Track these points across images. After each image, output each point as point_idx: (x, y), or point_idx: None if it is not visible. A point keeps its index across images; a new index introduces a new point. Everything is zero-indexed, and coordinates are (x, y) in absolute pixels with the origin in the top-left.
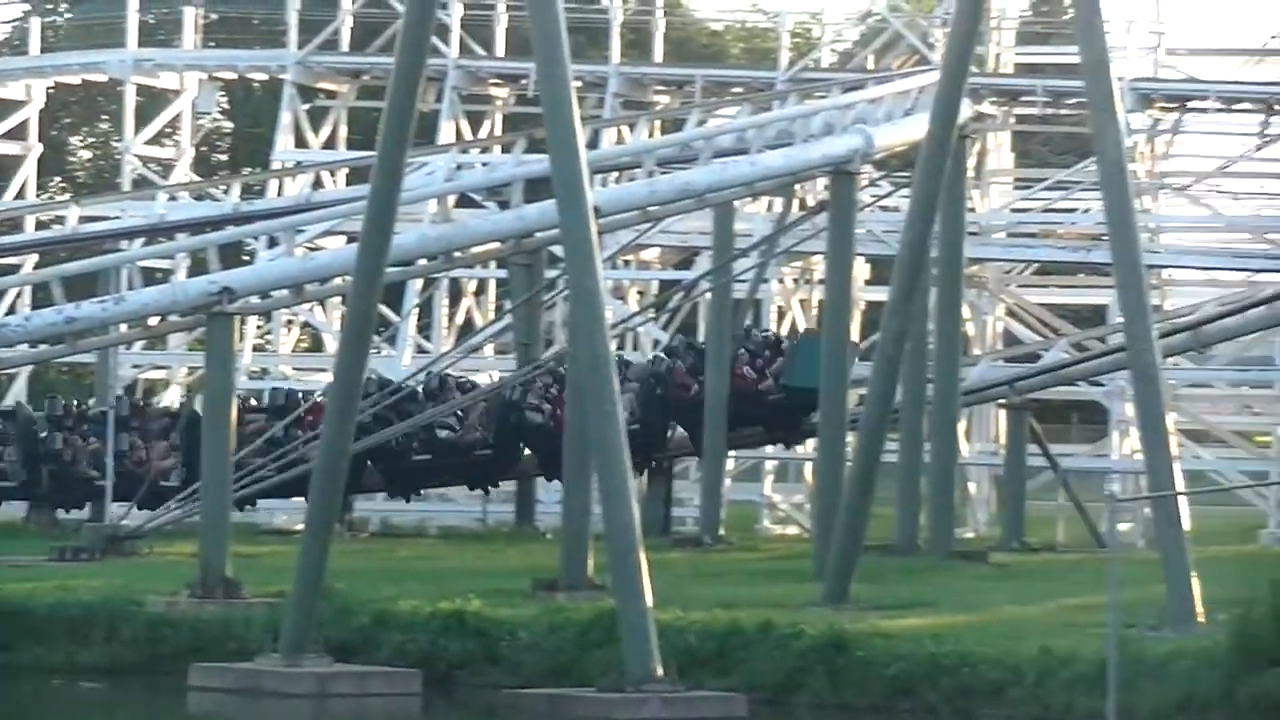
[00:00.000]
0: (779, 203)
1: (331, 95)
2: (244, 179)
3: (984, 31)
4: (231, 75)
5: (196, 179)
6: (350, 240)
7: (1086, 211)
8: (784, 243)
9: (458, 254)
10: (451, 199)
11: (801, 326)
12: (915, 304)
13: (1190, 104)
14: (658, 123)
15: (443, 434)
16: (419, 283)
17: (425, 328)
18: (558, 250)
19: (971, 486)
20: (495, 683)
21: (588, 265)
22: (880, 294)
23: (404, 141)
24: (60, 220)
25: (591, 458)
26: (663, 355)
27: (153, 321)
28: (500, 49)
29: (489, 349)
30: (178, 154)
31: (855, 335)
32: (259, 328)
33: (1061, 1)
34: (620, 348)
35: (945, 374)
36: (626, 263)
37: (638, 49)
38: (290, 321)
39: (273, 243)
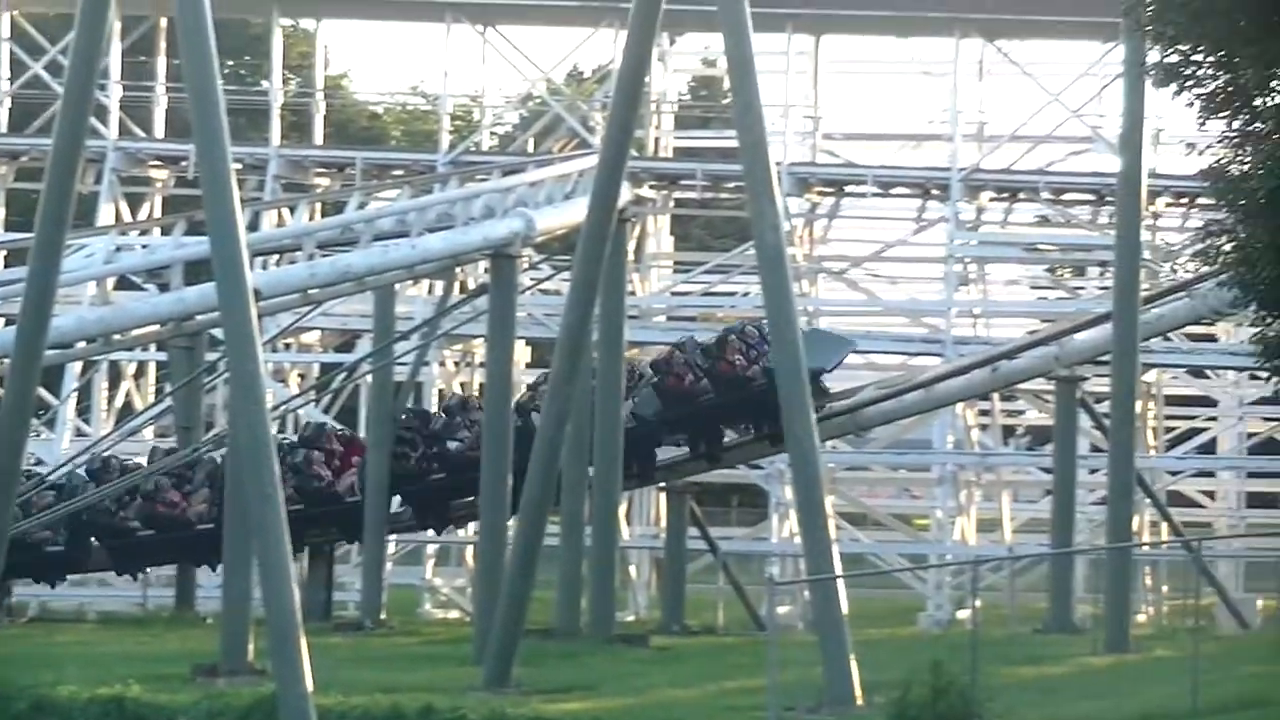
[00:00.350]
0: (440, 285)
1: None
2: None
3: (643, 115)
4: None
5: None
6: (8, 323)
7: (746, 295)
8: (445, 325)
9: (117, 336)
10: (111, 281)
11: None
12: (576, 387)
13: (848, 188)
14: (318, 205)
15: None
16: (78, 365)
17: (84, 410)
18: (218, 333)
19: (632, 569)
20: None
21: (247, 348)
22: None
23: (63, 223)
24: None
25: (252, 541)
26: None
27: None
28: (160, 130)
29: (149, 432)
30: None
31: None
32: None
33: (720, 86)
34: (281, 430)
35: (606, 457)
36: (287, 345)
37: (298, 131)
38: None
39: None
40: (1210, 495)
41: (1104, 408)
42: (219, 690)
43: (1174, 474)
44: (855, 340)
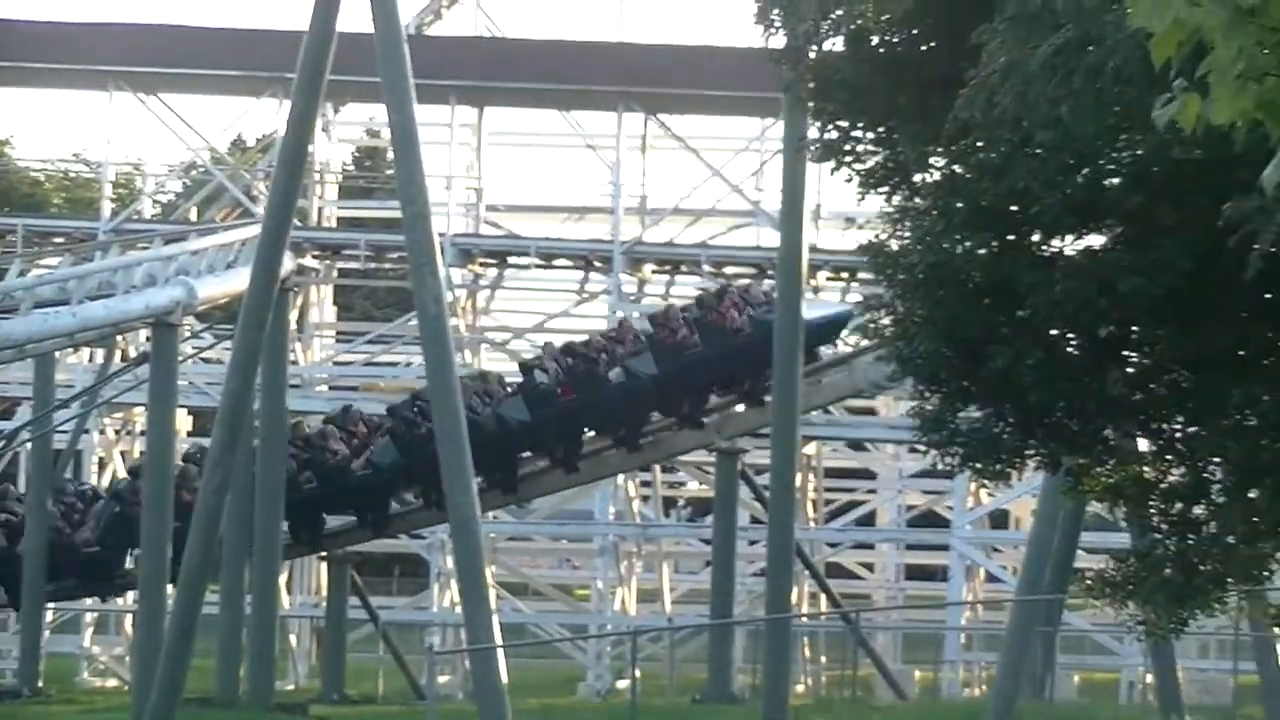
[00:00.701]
0: (100, 353)
1: None
2: None
3: (306, 185)
4: None
5: None
6: None
7: (408, 365)
8: (105, 394)
9: None
10: None
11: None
12: (237, 455)
13: (510, 259)
14: None
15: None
16: None
17: None
18: None
19: (292, 638)
20: None
21: None
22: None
23: None
24: None
25: None
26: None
27: None
28: None
29: None
30: None
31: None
32: None
33: (384, 156)
34: None
35: (267, 526)
36: None
37: None
38: None
39: None
40: (869, 567)
41: (764, 479)
42: None
43: (833, 545)
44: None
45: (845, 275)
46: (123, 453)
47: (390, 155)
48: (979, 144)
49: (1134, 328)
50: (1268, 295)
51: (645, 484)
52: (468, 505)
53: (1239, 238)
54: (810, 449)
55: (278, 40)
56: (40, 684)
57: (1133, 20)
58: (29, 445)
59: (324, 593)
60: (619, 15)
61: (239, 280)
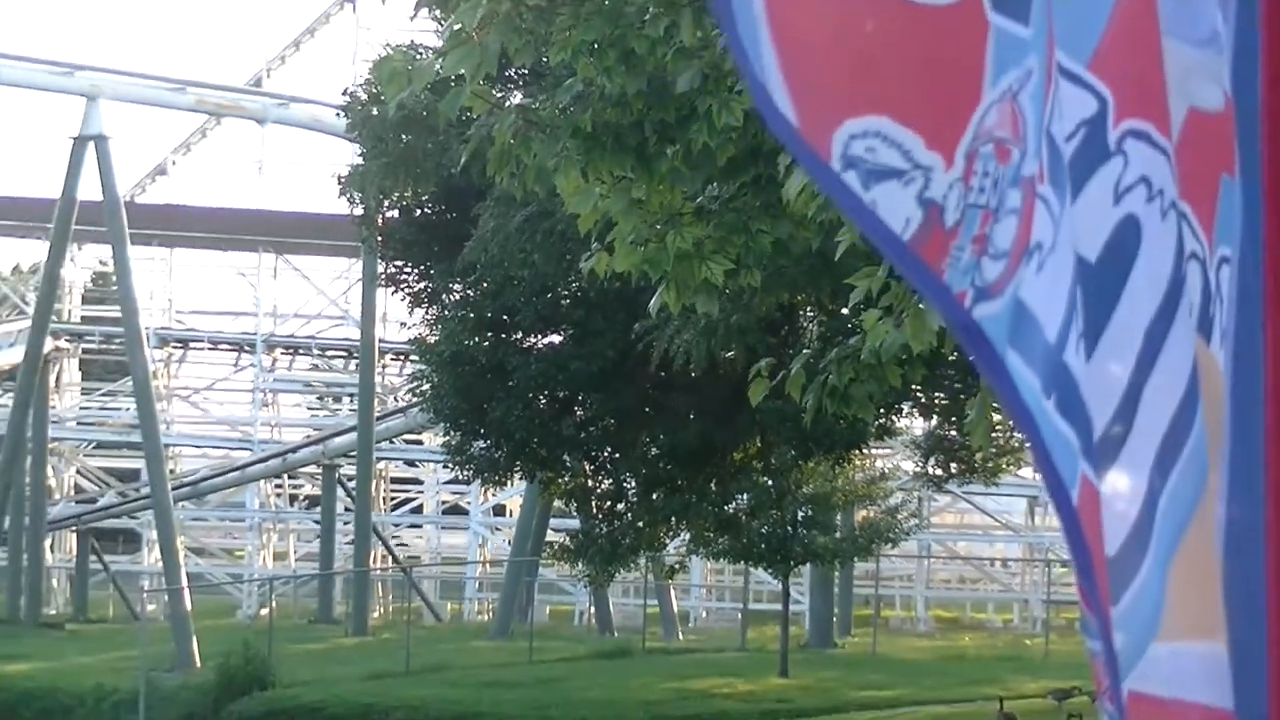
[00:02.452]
0: None
1: None
2: None
3: (60, 295)
4: None
5: None
6: None
7: (129, 410)
8: None
9: None
10: None
11: None
12: (17, 461)
13: (191, 344)
14: None
15: None
16: None
17: None
18: None
19: (54, 581)
20: None
21: None
22: None
23: None
24: None
25: None
26: None
27: None
28: None
29: None
30: None
31: None
32: None
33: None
34: None
35: (36, 507)
36: None
37: None
38: None
39: None
40: (419, 540)
41: (353, 484)
42: None
43: (396, 525)
44: None
45: (402, 358)
46: None
47: (115, 276)
48: (482, 278)
49: (580, 393)
50: (662, 374)
51: (279, 486)
52: (162, 492)
53: (645, 337)
54: (381, 465)
55: (44, 204)
56: None
57: (568, 206)
58: None
59: (75, 552)
60: (261, 185)
61: (18, 353)
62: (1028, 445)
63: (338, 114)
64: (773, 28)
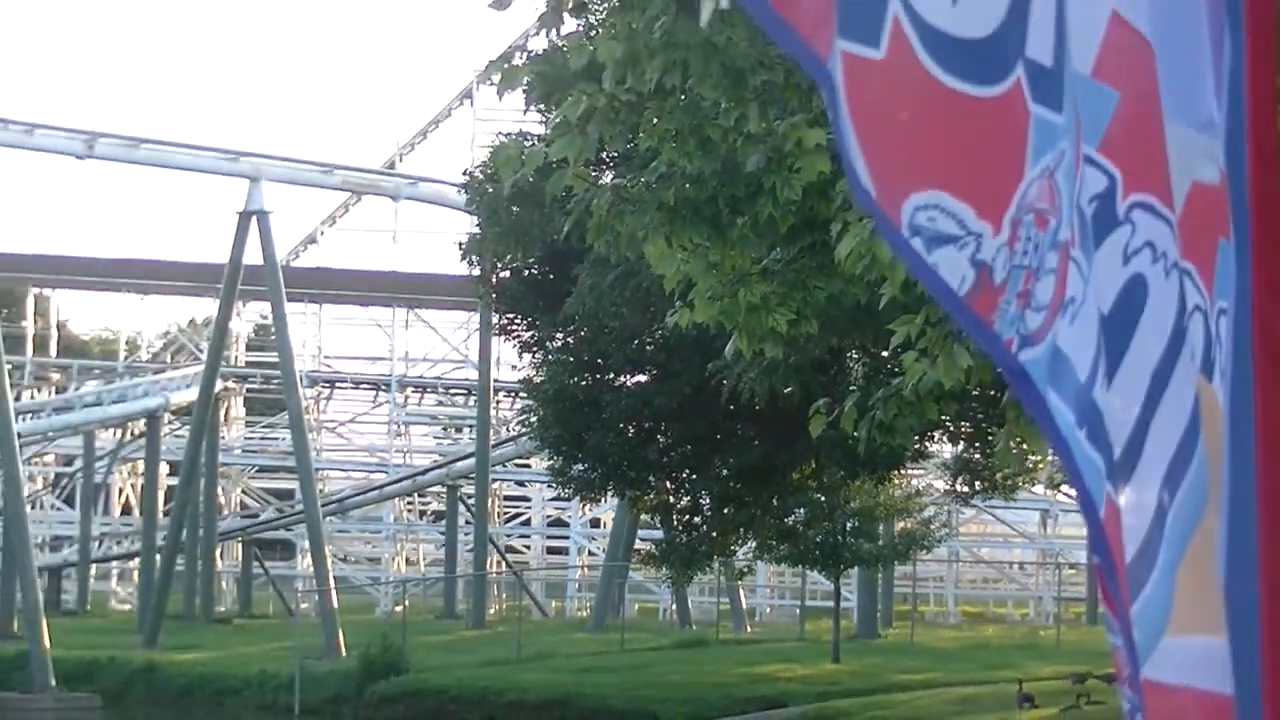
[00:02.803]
0: (118, 430)
1: None
2: None
3: (229, 343)
4: None
5: None
6: None
7: (284, 439)
8: (123, 452)
9: None
10: None
11: None
12: (194, 484)
13: (337, 384)
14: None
15: None
16: None
17: None
18: None
19: (223, 583)
20: None
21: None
22: None
23: None
24: None
25: None
26: None
27: None
28: None
29: None
30: None
31: None
32: None
33: (270, 329)
34: None
35: (210, 520)
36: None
37: (43, 347)
38: None
39: None
40: (528, 548)
41: (472, 501)
42: None
43: (508, 536)
44: None
45: (513, 395)
46: (132, 485)
47: (273, 328)
48: (579, 328)
49: (662, 423)
50: (730, 406)
51: (410, 503)
52: (313, 505)
53: (716, 376)
54: (496, 485)
55: (214, 268)
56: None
57: (654, 268)
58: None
59: (240, 559)
60: (395, 250)
61: (194, 393)
62: (1063, 468)
63: (458, 191)
64: (853, 115)
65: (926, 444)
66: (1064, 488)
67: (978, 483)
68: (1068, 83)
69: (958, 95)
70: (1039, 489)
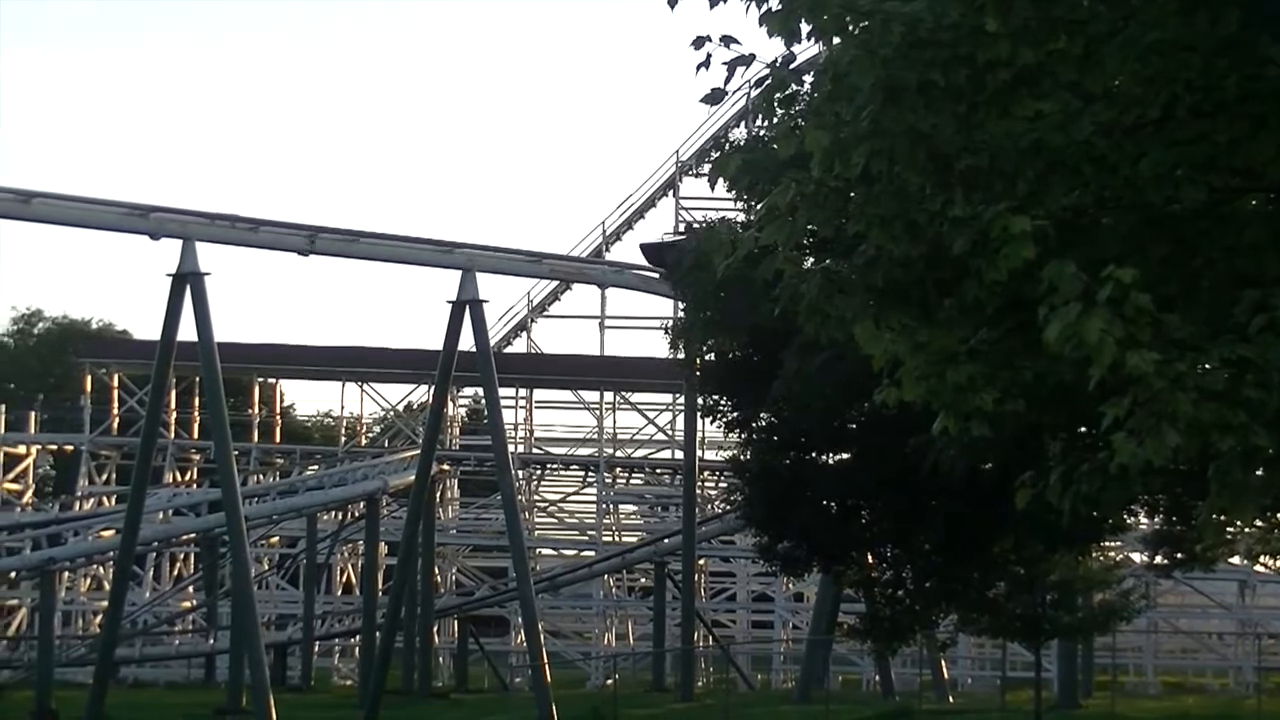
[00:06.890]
0: (340, 513)
1: None
2: None
3: (444, 426)
4: None
5: None
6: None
7: (498, 519)
8: (344, 534)
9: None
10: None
11: None
12: (411, 565)
13: (547, 465)
14: (278, 474)
15: None
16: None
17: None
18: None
19: (440, 659)
20: None
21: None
22: None
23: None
24: None
25: None
26: None
27: None
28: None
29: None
30: None
31: None
32: None
33: (482, 413)
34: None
35: (426, 598)
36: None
37: (266, 434)
38: None
39: None
40: (733, 621)
41: (679, 577)
42: None
43: (714, 610)
44: None
45: (719, 474)
46: (352, 564)
47: (486, 412)
48: (784, 409)
49: (864, 499)
50: (930, 483)
51: (618, 579)
52: (525, 584)
53: (916, 452)
54: (702, 561)
55: (428, 355)
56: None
57: (863, 348)
58: (303, 559)
59: (456, 635)
60: (602, 335)
61: (410, 476)
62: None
63: (662, 278)
64: None
65: (1125, 517)
66: (1263, 558)
67: (1177, 554)
68: None
69: None
70: (1237, 559)
